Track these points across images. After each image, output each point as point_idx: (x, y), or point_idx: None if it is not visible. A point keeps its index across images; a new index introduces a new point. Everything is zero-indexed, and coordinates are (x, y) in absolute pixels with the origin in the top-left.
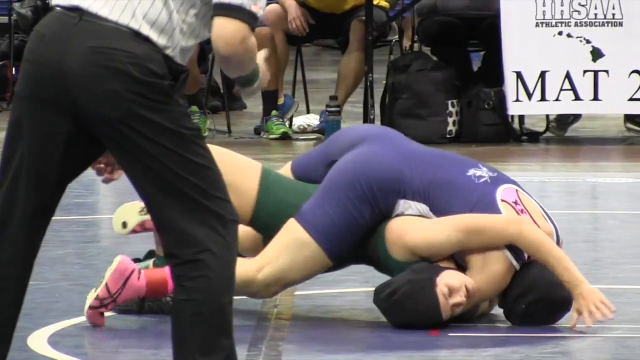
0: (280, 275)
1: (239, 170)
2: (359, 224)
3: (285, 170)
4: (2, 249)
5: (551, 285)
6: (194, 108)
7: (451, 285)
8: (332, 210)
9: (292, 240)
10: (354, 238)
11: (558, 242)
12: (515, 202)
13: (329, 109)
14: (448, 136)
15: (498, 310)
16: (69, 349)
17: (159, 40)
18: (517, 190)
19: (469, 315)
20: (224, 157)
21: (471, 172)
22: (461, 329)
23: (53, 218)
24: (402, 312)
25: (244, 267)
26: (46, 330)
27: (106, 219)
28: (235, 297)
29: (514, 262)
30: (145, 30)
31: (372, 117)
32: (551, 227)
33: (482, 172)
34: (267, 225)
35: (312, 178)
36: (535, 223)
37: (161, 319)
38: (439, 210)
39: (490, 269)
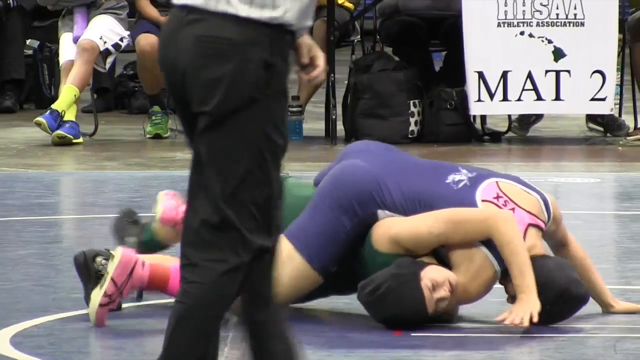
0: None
1: None
2: (340, 233)
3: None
4: None
5: (569, 282)
6: (156, 108)
7: (435, 279)
8: (313, 221)
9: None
10: (337, 248)
11: (547, 208)
12: (497, 196)
13: (290, 109)
14: (410, 136)
15: (461, 310)
16: (31, 350)
17: (261, 17)
18: (497, 183)
19: (449, 316)
20: None
21: (450, 178)
22: (424, 329)
23: (15, 218)
24: (387, 306)
25: None
26: (8, 330)
27: (68, 220)
28: None
29: (496, 267)
30: (245, 11)
31: (334, 117)
32: (534, 197)
33: (460, 176)
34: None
35: None
36: (519, 207)
37: (123, 320)
38: None
39: (477, 273)
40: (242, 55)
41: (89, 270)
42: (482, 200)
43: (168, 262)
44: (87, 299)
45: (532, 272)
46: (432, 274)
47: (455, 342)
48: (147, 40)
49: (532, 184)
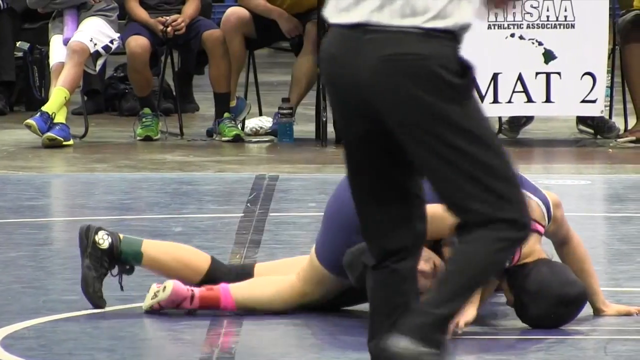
0: (312, 299)
1: None
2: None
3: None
4: None
5: (563, 285)
6: (147, 110)
7: (422, 268)
8: (330, 246)
9: (311, 267)
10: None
11: (548, 210)
12: None
13: (281, 111)
14: None
15: None
16: (22, 352)
17: (447, 26)
18: None
19: None
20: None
21: None
22: None
23: (5, 221)
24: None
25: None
26: None
27: (58, 222)
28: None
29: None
30: (432, 24)
31: (324, 119)
32: (535, 201)
33: None
34: None
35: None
36: None
37: (114, 322)
38: None
39: None
40: (433, 68)
41: (87, 239)
42: None
43: (217, 286)
44: (85, 268)
45: None
46: (421, 264)
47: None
48: (137, 42)
49: (535, 184)
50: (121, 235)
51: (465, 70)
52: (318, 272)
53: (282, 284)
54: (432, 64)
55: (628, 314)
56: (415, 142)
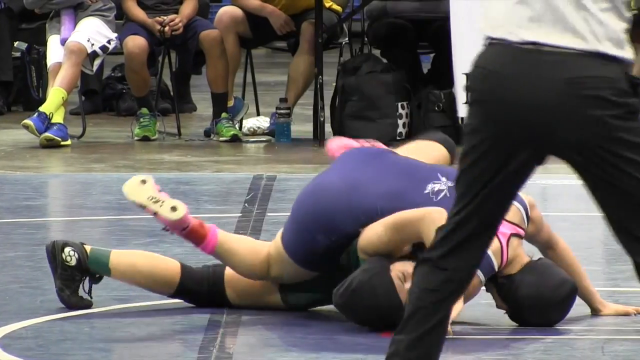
0: (276, 275)
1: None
2: (319, 247)
3: None
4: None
5: (554, 290)
6: (144, 110)
7: (405, 270)
8: (292, 231)
9: (277, 249)
10: (315, 257)
11: (527, 214)
12: None
13: (279, 111)
14: (398, 138)
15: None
16: (20, 352)
17: (624, 55)
18: None
19: None
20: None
21: (429, 188)
22: None
23: (3, 220)
24: (361, 302)
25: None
26: None
27: (56, 222)
28: (182, 302)
29: (481, 277)
30: (611, 50)
31: (322, 119)
32: (515, 205)
33: (440, 185)
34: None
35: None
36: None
37: (111, 321)
38: None
39: None
40: (612, 90)
41: (55, 259)
42: None
43: (208, 226)
44: (58, 289)
45: None
46: (401, 266)
47: (445, 344)
48: (135, 43)
49: None
50: (88, 249)
51: (636, 89)
52: (281, 254)
53: (259, 249)
54: (612, 86)
55: (626, 314)
56: (595, 164)
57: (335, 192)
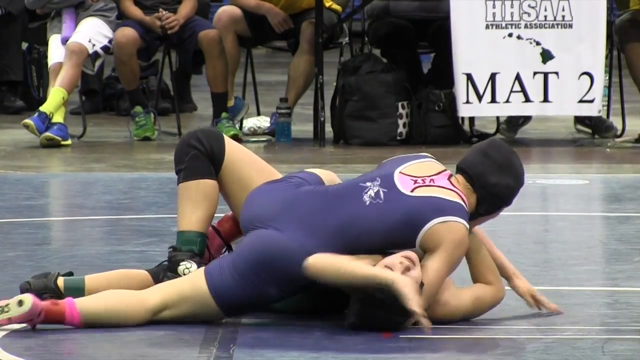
0: (172, 315)
1: (262, 176)
2: (262, 298)
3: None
4: None
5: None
6: (138, 108)
7: (387, 262)
8: (237, 285)
9: (194, 292)
10: (252, 307)
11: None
12: (415, 181)
13: (279, 111)
14: (398, 138)
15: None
16: (20, 351)
17: None
18: (400, 172)
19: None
20: (255, 160)
21: (366, 198)
22: (413, 332)
23: (3, 220)
24: (377, 309)
25: (138, 300)
26: None
27: (56, 221)
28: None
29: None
30: None
31: (322, 119)
32: (428, 161)
33: (372, 189)
34: None
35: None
36: (433, 175)
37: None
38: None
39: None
40: None
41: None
42: (411, 192)
43: (63, 301)
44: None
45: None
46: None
47: (444, 345)
48: (123, 33)
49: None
50: (60, 284)
51: None
52: (201, 298)
53: (133, 298)
54: None
55: (528, 303)
56: None
57: (291, 252)
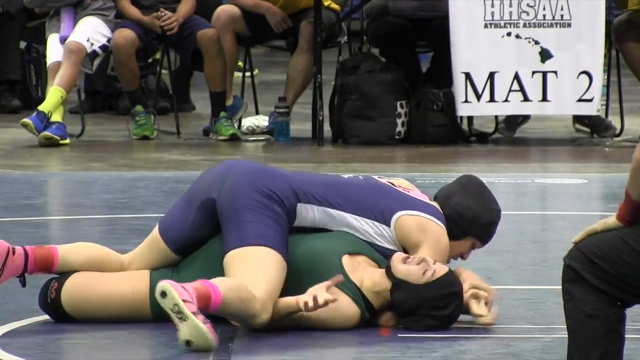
0: (269, 291)
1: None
2: (282, 221)
3: (154, 235)
4: None
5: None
6: (139, 108)
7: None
8: (262, 220)
9: (257, 259)
10: (286, 237)
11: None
12: (392, 185)
13: (278, 110)
14: (397, 137)
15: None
16: (19, 351)
17: None
18: (378, 177)
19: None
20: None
21: (346, 175)
22: (411, 330)
23: (2, 219)
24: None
25: (247, 288)
26: None
27: (55, 221)
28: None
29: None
30: None
31: (321, 118)
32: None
33: (352, 175)
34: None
35: (183, 233)
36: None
37: (112, 322)
38: (345, 202)
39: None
40: None
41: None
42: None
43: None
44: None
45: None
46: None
47: (442, 343)
48: (121, 34)
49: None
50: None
51: None
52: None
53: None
54: None
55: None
56: None
57: (278, 172)
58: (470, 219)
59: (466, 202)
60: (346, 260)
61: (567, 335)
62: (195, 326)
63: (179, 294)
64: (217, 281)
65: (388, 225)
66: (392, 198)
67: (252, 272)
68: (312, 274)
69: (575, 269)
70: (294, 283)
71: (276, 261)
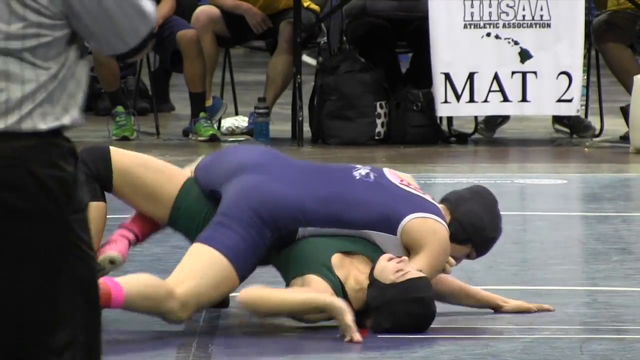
0: (195, 293)
1: (161, 176)
2: (262, 244)
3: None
4: None
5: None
6: (120, 108)
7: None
8: (239, 231)
9: (203, 261)
10: (256, 258)
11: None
12: (401, 181)
13: (257, 110)
14: (376, 138)
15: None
16: None
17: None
18: (388, 169)
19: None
20: (149, 162)
21: (356, 173)
22: (391, 332)
23: None
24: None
25: (159, 286)
26: None
27: None
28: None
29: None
30: None
31: (300, 118)
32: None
33: (362, 170)
34: (185, 225)
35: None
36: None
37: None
38: (349, 222)
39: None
40: None
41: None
42: (399, 183)
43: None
44: None
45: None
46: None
47: (422, 344)
48: None
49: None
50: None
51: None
52: (215, 264)
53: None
54: None
55: (528, 311)
56: None
57: (286, 194)
58: (478, 228)
59: (478, 211)
60: (336, 257)
61: (547, 336)
62: None
63: None
64: (123, 279)
65: (394, 234)
66: (399, 200)
67: (188, 269)
68: (300, 265)
69: None
70: (283, 270)
71: (220, 269)
